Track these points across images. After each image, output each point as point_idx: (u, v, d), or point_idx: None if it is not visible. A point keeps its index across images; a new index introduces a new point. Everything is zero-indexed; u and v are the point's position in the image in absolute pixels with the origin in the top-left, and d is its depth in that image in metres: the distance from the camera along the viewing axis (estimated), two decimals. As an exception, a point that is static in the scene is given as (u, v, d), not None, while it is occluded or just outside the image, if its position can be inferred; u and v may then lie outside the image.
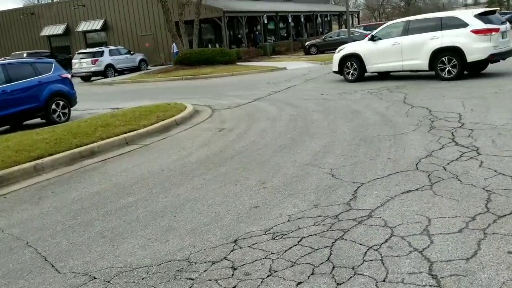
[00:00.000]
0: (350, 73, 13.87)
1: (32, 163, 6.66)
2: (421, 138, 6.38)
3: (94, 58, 25.36)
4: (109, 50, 26.43)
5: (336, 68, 14.27)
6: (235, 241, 3.64)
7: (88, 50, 27.05)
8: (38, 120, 11.41)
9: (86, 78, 25.91)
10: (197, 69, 23.18)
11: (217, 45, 32.65)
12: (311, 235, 3.61)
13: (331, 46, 30.66)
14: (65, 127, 8.84)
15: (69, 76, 12.09)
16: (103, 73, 25.66)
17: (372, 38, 13.32)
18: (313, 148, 6.42)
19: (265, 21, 32.25)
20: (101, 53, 25.89)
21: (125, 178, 5.90)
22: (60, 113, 11.44)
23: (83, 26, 34.32)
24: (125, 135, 8.29)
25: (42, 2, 53.31)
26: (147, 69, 28.35)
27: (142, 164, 6.56)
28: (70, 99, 11.80)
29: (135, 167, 6.44)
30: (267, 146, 6.90)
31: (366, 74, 13.82)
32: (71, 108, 12.40)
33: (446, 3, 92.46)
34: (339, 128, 7.66)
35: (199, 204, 4.61)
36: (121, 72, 27.02)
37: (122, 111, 10.73)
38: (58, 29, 35.38)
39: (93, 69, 25.31)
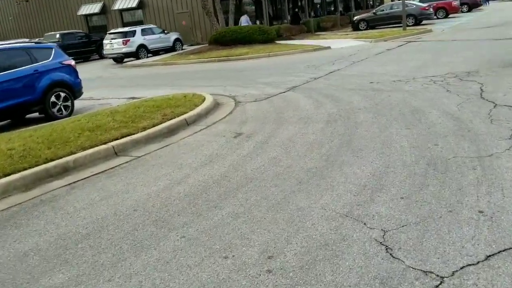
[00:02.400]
0: None
1: (-24, 189, 5.00)
2: (525, 165, 4.15)
3: (125, 39, 23.82)
4: (142, 30, 24.80)
5: None
6: None
7: (119, 30, 25.53)
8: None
9: (119, 59, 24.52)
10: (232, 49, 21.14)
11: (257, 22, 30.43)
12: None
13: (383, 21, 27.75)
14: (46, 131, 7.16)
15: (73, 63, 10.42)
16: (135, 54, 24.14)
17: None
18: (356, 179, 4.34)
19: (309, -5, 29.53)
20: (133, 33, 24.31)
21: (80, 224, 4.08)
22: (62, 107, 9.83)
23: (119, 4, 32.94)
24: (114, 142, 6.49)
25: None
26: (182, 49, 26.62)
27: (115, 195, 4.73)
28: (73, 90, 10.16)
29: (103, 201, 4.61)
30: (290, 169, 4.88)
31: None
32: (80, 98, 10.87)
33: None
34: (395, 139, 5.50)
35: (152, 307, 2.70)
36: (155, 52, 25.44)
37: (126, 106, 8.96)
38: (95, 8, 34.22)
39: (124, 50, 23.81)
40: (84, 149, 6.21)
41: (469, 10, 36.35)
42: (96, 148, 6.27)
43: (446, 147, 4.96)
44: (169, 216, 4.00)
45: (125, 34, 24.12)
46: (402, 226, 3.28)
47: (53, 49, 10.08)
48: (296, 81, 11.32)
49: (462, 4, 34.58)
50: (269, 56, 18.68)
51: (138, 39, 24.30)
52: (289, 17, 34.42)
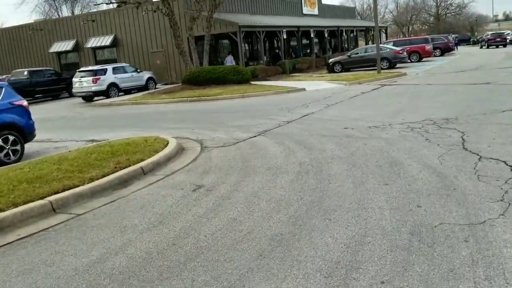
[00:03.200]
0: None
1: None
2: (525, 237, 3.50)
3: (95, 77, 23.06)
4: (113, 68, 24.14)
5: None
6: None
7: (89, 68, 24.85)
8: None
9: (88, 98, 23.65)
10: (206, 90, 20.64)
11: (233, 62, 30.23)
12: None
13: (358, 64, 27.85)
14: (-23, 182, 6.27)
15: (25, 103, 9.60)
16: (106, 93, 23.38)
17: None
18: (328, 252, 3.61)
19: (285, 36, 29.65)
20: (104, 71, 23.62)
21: (-21, 313, 3.22)
22: (10, 151, 8.93)
23: (92, 42, 32.41)
24: (54, 197, 5.63)
25: (54, 18, 52.09)
26: (155, 88, 26.04)
27: (36, 269, 3.87)
28: (24, 133, 9.30)
29: (19, 277, 3.74)
30: (250, 236, 4.13)
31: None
32: (37, 140, 10.10)
33: (478, 18, 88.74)
34: (372, 198, 4.83)
35: None
36: (128, 91, 24.77)
37: (77, 152, 8.11)
38: (67, 45, 33.59)
39: (94, 88, 23.02)
40: (15, 205, 5.34)
41: (442, 54, 37.12)
42: (31, 204, 5.40)
43: (430, 210, 4.31)
44: (93, 304, 3.18)
45: (95, 72, 23.40)
46: (384, 329, 2.54)
47: (3, 89, 9.27)
48: (268, 124, 10.73)
49: (435, 48, 35.29)
50: (243, 97, 18.20)
51: (109, 77, 23.61)
52: (265, 58, 34.52)
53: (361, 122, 9.82)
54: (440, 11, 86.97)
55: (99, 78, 23.17)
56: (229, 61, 28.84)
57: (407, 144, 7.24)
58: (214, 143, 9.13)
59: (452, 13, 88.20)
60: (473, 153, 6.22)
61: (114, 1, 22.98)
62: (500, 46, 44.31)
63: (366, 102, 13.22)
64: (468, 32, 77.98)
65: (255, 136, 9.42)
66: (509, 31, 60.48)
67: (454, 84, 15.69)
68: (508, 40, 45.32)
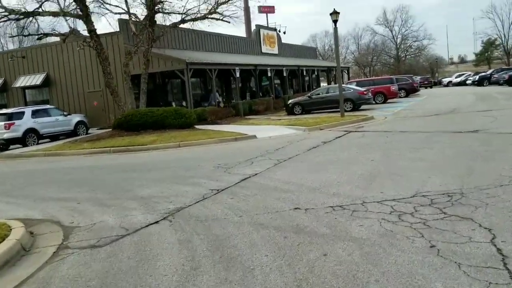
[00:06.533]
0: None
1: None
2: None
3: (9, 122, 19.24)
4: (32, 111, 20.32)
5: None
6: None
7: (3, 111, 20.99)
8: None
9: (2, 147, 19.70)
10: (138, 136, 17.16)
11: (184, 103, 27.04)
12: None
13: (319, 105, 25.12)
14: None
15: None
16: (22, 141, 19.51)
17: None
18: None
19: (237, 75, 26.79)
20: (21, 115, 19.83)
21: None
22: None
23: (22, 81, 28.54)
24: None
25: None
26: (86, 134, 22.37)
27: None
28: None
29: None
30: None
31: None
32: None
33: (437, 60, 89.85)
34: None
35: None
36: (54, 137, 21.01)
37: None
38: (-6, 84, 29.62)
39: (7, 135, 19.09)
40: None
41: (407, 95, 35.17)
42: None
43: None
44: None
45: (10, 116, 19.60)
46: None
47: None
48: (188, 195, 7.37)
49: (400, 89, 33.24)
50: (179, 146, 14.85)
51: (27, 122, 19.84)
52: (222, 98, 31.61)
53: (319, 195, 6.57)
54: (399, 53, 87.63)
55: (13, 123, 19.34)
56: (214, 98, 26.20)
57: (399, 259, 3.95)
58: (85, 237, 5.65)
59: (412, 55, 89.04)
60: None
61: (34, 34, 19.43)
62: (427, 87, 57.13)
63: (327, 157, 10.05)
64: (428, 74, 78.18)
65: (156, 222, 6.02)
66: (469, 72, 60.80)
67: (435, 131, 12.83)
68: (432, 82, 61.71)
